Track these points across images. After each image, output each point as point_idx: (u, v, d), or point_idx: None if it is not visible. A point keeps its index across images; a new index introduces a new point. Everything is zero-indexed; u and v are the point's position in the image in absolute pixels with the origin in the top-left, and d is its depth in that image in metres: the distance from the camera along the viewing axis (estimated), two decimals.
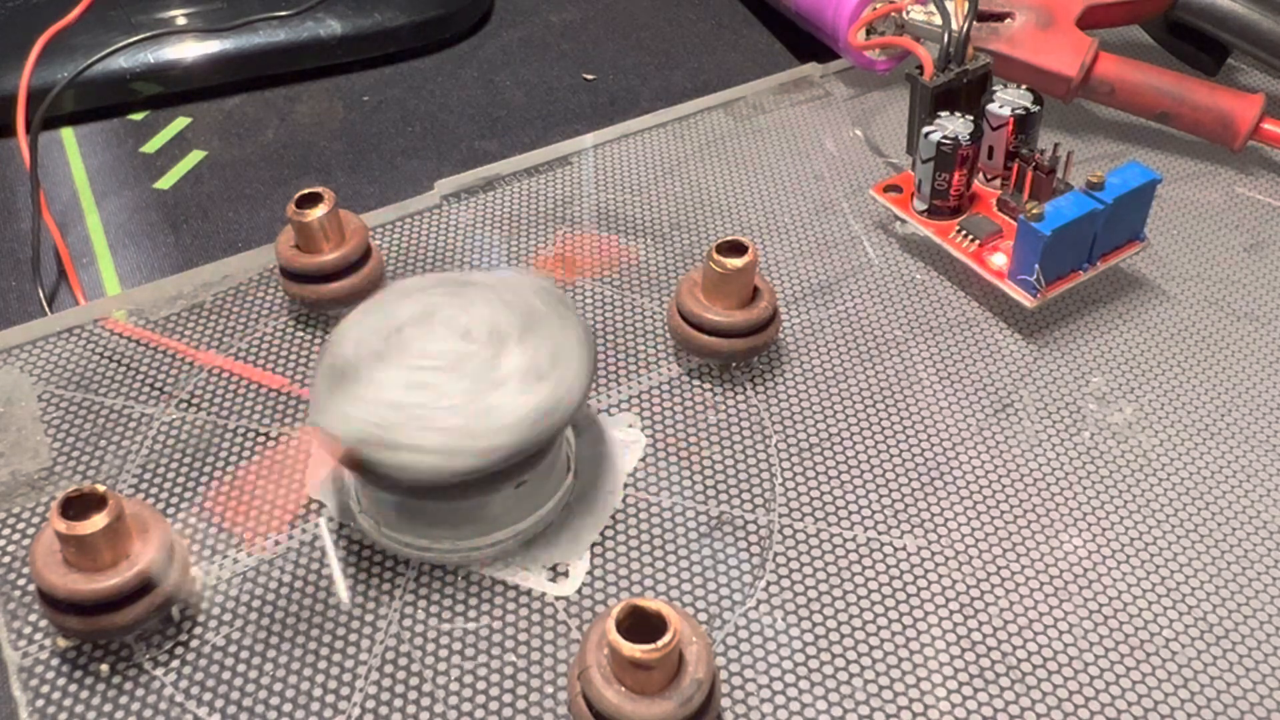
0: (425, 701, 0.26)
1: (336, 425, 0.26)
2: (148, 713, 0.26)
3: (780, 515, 0.30)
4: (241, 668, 0.27)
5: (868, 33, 0.42)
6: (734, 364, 0.34)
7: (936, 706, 0.26)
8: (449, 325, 0.28)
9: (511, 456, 0.26)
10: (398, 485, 0.27)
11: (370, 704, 0.26)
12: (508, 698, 0.26)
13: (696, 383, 0.34)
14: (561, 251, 0.36)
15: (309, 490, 0.30)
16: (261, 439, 0.32)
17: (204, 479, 0.31)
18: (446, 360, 0.27)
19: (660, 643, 0.23)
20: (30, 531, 0.30)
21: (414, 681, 0.27)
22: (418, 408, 0.26)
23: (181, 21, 0.45)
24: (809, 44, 0.47)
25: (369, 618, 0.28)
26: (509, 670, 0.27)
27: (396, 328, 0.28)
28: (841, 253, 0.38)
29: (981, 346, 0.35)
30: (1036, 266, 0.33)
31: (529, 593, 0.28)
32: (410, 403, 0.26)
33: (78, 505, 0.25)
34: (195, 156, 0.43)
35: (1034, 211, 0.33)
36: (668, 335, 0.35)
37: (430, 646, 0.27)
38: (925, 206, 0.36)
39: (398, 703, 0.26)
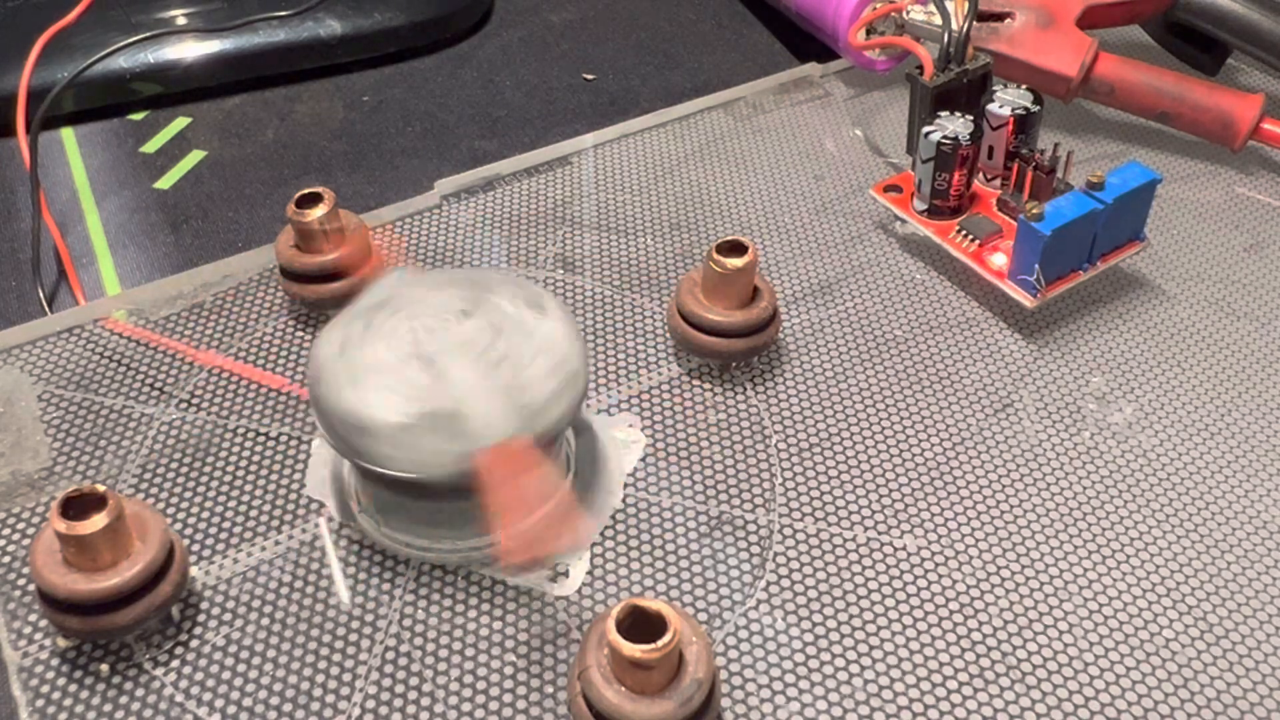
0: (425, 701, 0.26)
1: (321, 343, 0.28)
2: (148, 713, 0.26)
3: (780, 515, 0.30)
4: (241, 668, 0.27)
5: (868, 33, 0.42)
6: (734, 364, 0.34)
7: (936, 706, 0.26)
8: (448, 316, 0.28)
9: (377, 462, 0.26)
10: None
11: (370, 704, 0.26)
12: (508, 698, 0.26)
13: (696, 383, 0.34)
14: None
15: (309, 490, 0.31)
16: (261, 439, 0.32)
17: (204, 479, 0.31)
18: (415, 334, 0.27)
19: (660, 643, 0.23)
20: (30, 531, 0.30)
21: (414, 681, 0.27)
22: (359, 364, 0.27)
23: (181, 21, 0.45)
24: (809, 44, 0.47)
25: (369, 618, 0.28)
26: (509, 670, 0.27)
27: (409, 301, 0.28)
28: (841, 253, 0.38)
29: (981, 346, 0.35)
30: (1036, 266, 0.33)
31: (529, 593, 0.28)
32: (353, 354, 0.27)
33: (78, 505, 0.25)
34: (195, 156, 0.43)
35: (1034, 211, 0.33)
36: (668, 335, 0.35)
37: (430, 646, 0.27)
38: (925, 206, 0.36)
39: (398, 703, 0.26)
